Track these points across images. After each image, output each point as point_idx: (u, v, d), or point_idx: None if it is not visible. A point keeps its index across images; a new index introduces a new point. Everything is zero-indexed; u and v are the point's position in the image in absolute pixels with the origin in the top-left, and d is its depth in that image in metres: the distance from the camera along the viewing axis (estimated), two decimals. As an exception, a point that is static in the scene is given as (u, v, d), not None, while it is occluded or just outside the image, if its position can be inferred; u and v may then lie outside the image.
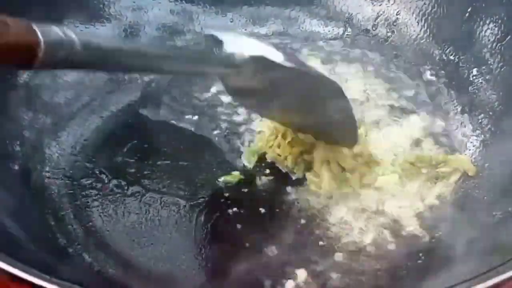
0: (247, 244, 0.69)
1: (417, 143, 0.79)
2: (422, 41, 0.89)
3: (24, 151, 0.76)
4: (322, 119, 0.73)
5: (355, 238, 0.70)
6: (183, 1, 0.94)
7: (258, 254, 0.68)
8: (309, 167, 0.76)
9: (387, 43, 0.92)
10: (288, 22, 0.95)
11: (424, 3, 0.89)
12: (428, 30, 0.89)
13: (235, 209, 0.72)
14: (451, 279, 0.52)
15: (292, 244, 0.69)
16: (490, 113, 0.79)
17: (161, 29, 0.92)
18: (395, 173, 0.75)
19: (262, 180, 0.76)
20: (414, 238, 0.70)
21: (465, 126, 0.81)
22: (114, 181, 0.75)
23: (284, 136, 0.77)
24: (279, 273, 0.66)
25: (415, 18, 0.90)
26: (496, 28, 0.80)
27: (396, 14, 0.92)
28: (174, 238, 0.70)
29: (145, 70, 0.71)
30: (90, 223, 0.71)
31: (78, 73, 0.84)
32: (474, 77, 0.82)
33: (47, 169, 0.76)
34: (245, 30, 0.95)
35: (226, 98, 0.84)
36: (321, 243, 0.69)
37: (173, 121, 0.83)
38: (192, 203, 0.73)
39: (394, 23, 0.92)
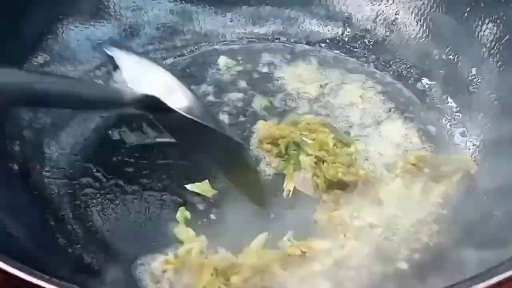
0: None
1: (417, 143, 0.79)
2: (421, 41, 0.89)
3: (24, 151, 0.76)
4: (225, 172, 0.73)
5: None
6: (183, 1, 0.94)
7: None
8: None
9: (386, 42, 0.92)
10: (287, 22, 0.95)
11: (423, 3, 0.89)
12: (427, 29, 0.89)
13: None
14: (451, 279, 0.52)
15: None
16: (490, 112, 0.79)
17: (161, 29, 0.92)
18: (396, 178, 0.75)
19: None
20: (414, 238, 0.70)
21: (464, 126, 0.81)
22: (113, 181, 0.75)
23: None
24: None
25: (414, 18, 0.90)
26: (495, 28, 0.80)
27: (395, 14, 0.92)
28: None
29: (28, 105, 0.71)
30: (90, 223, 0.72)
31: (78, 73, 0.84)
32: (473, 77, 0.82)
33: (47, 169, 0.76)
34: (245, 30, 0.95)
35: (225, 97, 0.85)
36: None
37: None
38: (192, 202, 0.73)
39: (393, 23, 0.92)
